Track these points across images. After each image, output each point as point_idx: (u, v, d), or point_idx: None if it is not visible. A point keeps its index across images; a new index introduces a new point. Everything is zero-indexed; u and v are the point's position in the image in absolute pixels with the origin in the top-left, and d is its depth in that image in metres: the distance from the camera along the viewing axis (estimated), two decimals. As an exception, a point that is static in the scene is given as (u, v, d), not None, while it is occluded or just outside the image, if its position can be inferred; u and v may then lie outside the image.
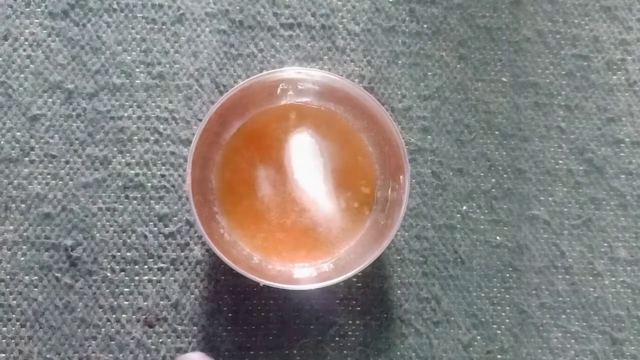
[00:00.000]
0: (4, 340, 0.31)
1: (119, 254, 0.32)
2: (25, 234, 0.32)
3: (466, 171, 0.35)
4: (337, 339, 0.33)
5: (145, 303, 0.32)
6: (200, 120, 0.33)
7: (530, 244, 0.35)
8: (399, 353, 0.33)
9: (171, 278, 0.32)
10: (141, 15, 0.34)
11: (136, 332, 0.32)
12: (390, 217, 0.30)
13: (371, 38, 0.35)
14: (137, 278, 0.32)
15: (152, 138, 0.33)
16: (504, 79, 0.36)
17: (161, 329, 0.32)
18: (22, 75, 0.33)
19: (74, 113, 0.33)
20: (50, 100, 0.33)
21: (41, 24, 0.33)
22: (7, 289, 0.31)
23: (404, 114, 0.35)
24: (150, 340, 0.32)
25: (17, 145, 0.33)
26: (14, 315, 0.31)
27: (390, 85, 0.35)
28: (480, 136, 0.35)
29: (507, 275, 0.34)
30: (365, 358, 0.32)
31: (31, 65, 0.33)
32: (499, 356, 0.33)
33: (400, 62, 0.35)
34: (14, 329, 0.31)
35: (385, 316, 0.33)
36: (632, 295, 0.35)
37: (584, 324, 0.34)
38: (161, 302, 0.32)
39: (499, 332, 0.34)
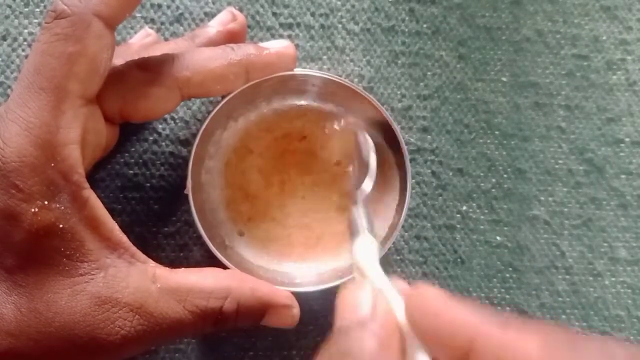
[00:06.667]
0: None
1: (117, 254, 0.32)
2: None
3: (466, 171, 0.35)
4: (336, 339, 0.32)
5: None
6: (199, 120, 0.33)
7: (530, 244, 0.34)
8: (398, 354, 0.33)
9: (170, 279, 0.32)
10: (140, 15, 0.34)
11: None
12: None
13: (370, 38, 0.35)
14: (136, 279, 0.32)
15: (151, 138, 0.33)
16: (504, 79, 0.36)
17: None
18: (21, 75, 0.33)
19: (72, 113, 0.33)
20: (48, 100, 0.33)
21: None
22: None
23: (403, 113, 0.35)
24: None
25: (16, 145, 0.32)
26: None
27: (389, 85, 0.35)
28: (480, 136, 0.35)
29: (507, 275, 0.34)
30: (365, 359, 0.32)
31: (30, 65, 0.33)
32: (499, 357, 0.33)
33: (399, 61, 0.35)
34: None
35: (385, 317, 0.33)
36: (632, 295, 0.34)
37: (584, 324, 0.34)
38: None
39: (499, 332, 0.33)
